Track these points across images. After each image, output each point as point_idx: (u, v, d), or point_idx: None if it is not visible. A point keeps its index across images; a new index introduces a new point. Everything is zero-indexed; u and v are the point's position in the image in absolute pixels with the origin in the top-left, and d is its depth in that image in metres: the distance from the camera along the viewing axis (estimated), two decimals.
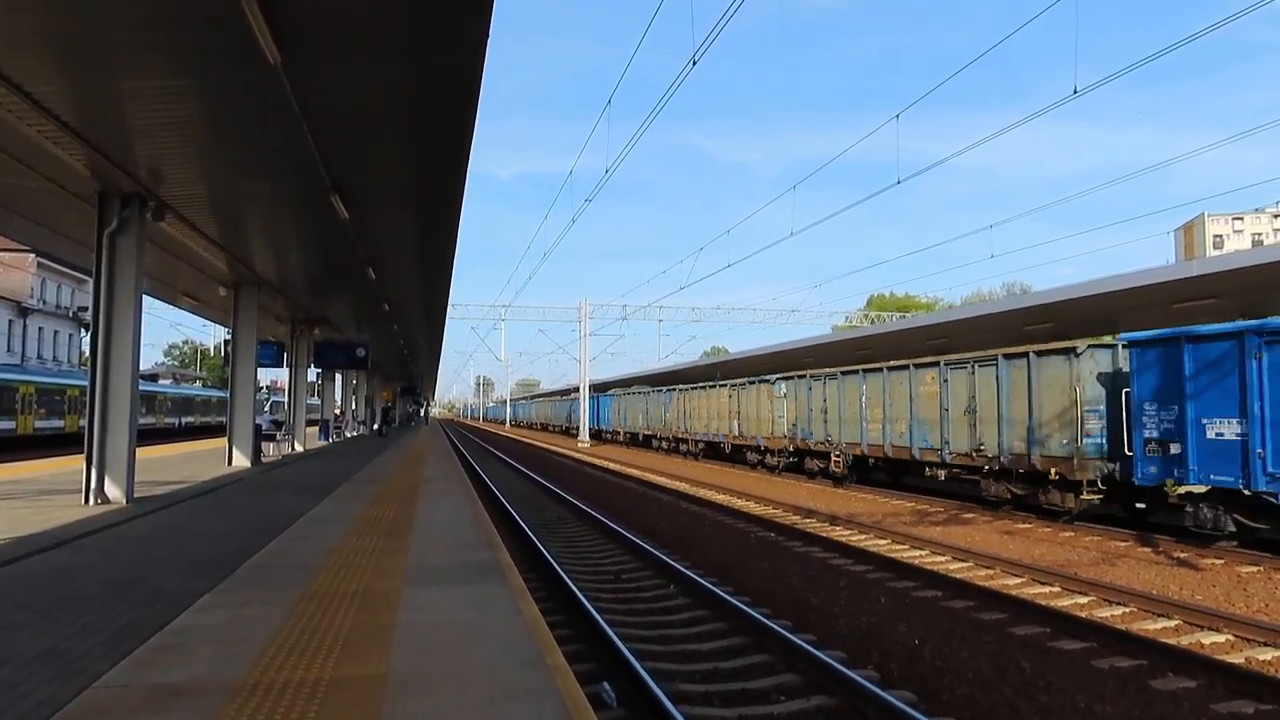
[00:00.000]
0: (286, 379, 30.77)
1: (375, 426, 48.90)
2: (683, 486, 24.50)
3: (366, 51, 8.06)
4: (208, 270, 18.88)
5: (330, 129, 9.92)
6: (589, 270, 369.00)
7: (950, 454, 18.92)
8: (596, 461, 37.02)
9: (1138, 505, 14.79)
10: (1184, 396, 13.09)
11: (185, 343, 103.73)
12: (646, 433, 45.64)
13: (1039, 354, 16.49)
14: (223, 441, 21.01)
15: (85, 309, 55.55)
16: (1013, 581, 11.06)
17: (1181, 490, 13.44)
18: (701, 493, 22.50)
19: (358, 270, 19.31)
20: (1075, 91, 13.84)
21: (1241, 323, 12.88)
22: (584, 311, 55.46)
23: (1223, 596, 10.15)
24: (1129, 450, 14.24)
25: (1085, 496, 15.16)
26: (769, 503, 19.77)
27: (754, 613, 8.54)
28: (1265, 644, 8.11)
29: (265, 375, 56.36)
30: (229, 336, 21.06)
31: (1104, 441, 15.13)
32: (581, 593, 9.29)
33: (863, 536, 14.92)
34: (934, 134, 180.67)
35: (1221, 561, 12.06)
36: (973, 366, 18.38)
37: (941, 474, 19.81)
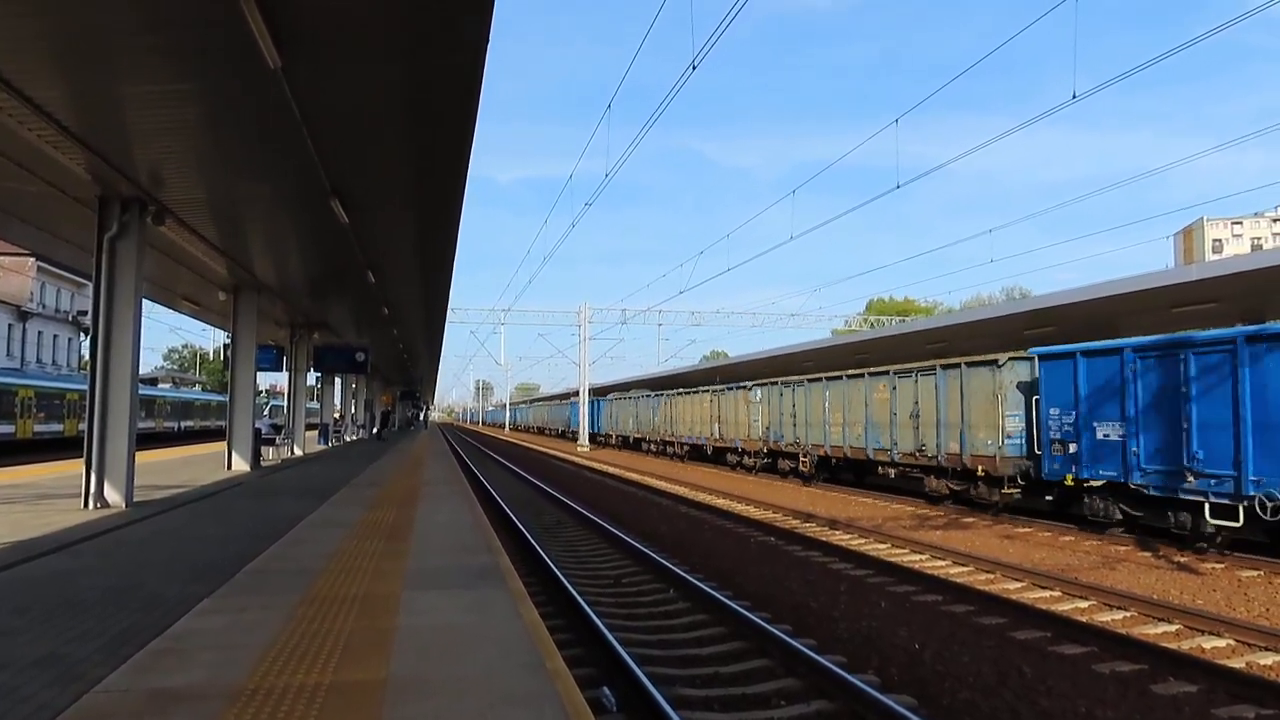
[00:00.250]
0: (286, 383, 30.76)
1: (375, 431, 48.89)
2: (682, 491, 24.46)
3: (366, 54, 8.07)
4: (207, 274, 18.89)
5: (330, 132, 9.93)
6: (589, 274, 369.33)
7: (898, 454, 20.89)
8: (595, 466, 37.00)
9: (1047, 497, 16.58)
10: (1079, 403, 15.12)
11: (185, 347, 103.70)
12: (637, 436, 47.16)
13: (969, 365, 18.59)
14: (222, 445, 20.99)
15: (85, 313, 55.55)
16: (1013, 586, 11.05)
17: (1072, 482, 15.44)
18: (699, 496, 22.53)
19: (357, 274, 19.32)
20: (1074, 96, 13.90)
21: (1122, 340, 14.95)
22: (584, 315, 55.47)
23: (1223, 601, 10.14)
24: (1038, 450, 16.28)
25: (1006, 491, 17.13)
26: (757, 504, 19.77)
27: (754, 617, 8.52)
28: (1266, 648, 8.09)
29: (265, 379, 56.43)
30: (228, 341, 21.05)
31: (1022, 442, 17.01)
32: (581, 597, 9.27)
33: (862, 541, 14.91)
34: (933, 138, 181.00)
35: (1222, 566, 12.05)
36: (916, 376, 20.38)
37: (892, 472, 21.62)
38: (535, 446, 59.61)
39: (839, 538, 15.23)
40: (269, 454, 23.50)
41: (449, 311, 33.14)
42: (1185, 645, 8.31)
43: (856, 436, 23.06)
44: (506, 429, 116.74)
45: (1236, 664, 7.63)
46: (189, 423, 60.75)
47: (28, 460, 27.43)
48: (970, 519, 17.29)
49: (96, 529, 9.71)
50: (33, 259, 47.35)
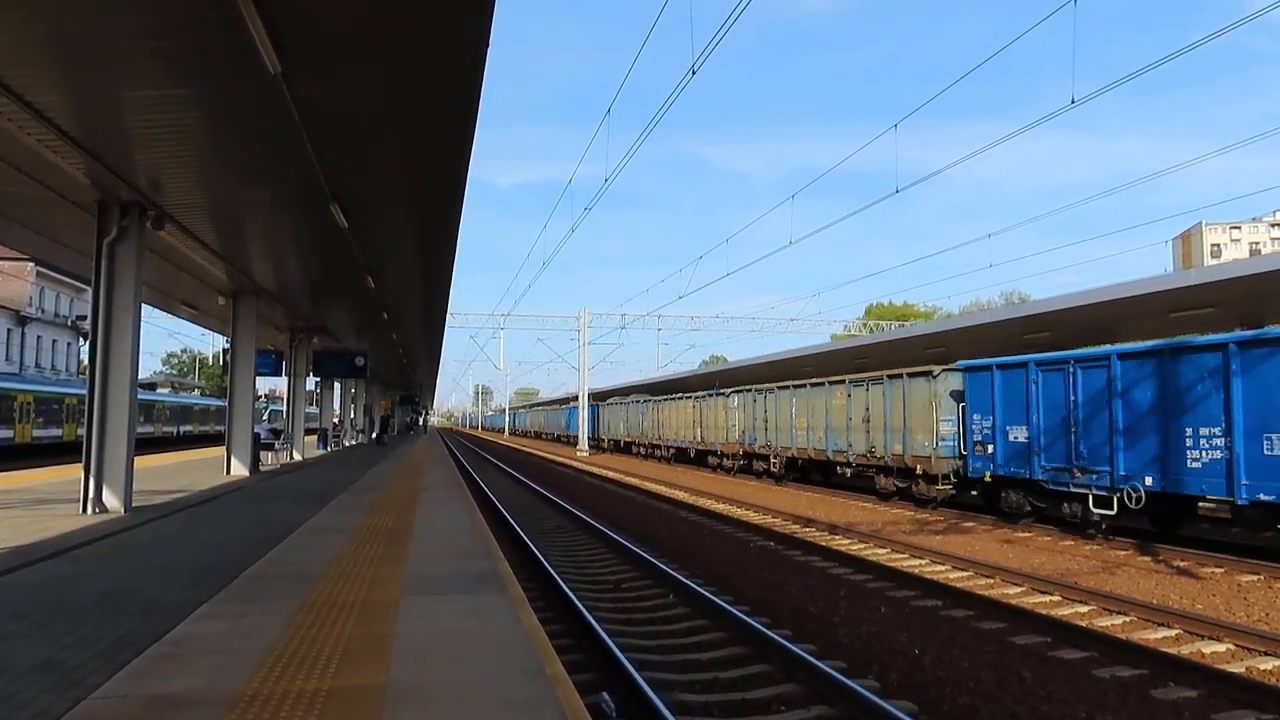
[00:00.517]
0: (285, 388, 30.74)
1: (374, 435, 48.84)
2: (681, 495, 24.49)
3: (367, 59, 8.08)
4: (207, 279, 18.88)
5: (330, 137, 9.94)
6: (588, 279, 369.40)
7: (853, 455, 23.12)
8: (592, 470, 36.97)
9: (973, 492, 18.60)
10: (995, 410, 17.30)
11: (184, 351, 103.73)
12: (627, 440, 49.13)
13: (909, 375, 20.76)
14: (221, 450, 20.97)
15: (84, 318, 55.53)
16: (1013, 590, 11.04)
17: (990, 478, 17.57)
18: (697, 500, 22.54)
19: (357, 279, 19.32)
20: (1073, 101, 13.91)
21: (1028, 355, 16.96)
22: (583, 320, 55.47)
23: (1223, 605, 10.13)
24: (965, 450, 18.33)
25: (941, 487, 19.25)
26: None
27: (753, 622, 8.51)
28: (1266, 653, 8.09)
29: (264, 384, 56.36)
30: (228, 345, 21.03)
31: (955, 444, 19.04)
32: (580, 601, 9.26)
33: (862, 545, 14.90)
34: (932, 144, 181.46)
35: (1221, 570, 12.04)
36: (867, 385, 22.61)
37: (848, 471, 23.69)
38: (534, 451, 59.56)
39: (839, 542, 15.22)
40: (268, 459, 23.46)
41: (448, 316, 33.15)
42: (1185, 650, 8.29)
43: (818, 439, 25.18)
44: (506, 433, 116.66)
45: (1236, 669, 7.62)
46: (188, 428, 60.71)
47: (26, 465, 27.40)
48: (969, 524, 17.29)
49: (95, 534, 9.70)
50: (32, 264, 47.34)
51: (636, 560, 12.69)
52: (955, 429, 18.95)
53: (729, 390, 32.82)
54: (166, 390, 69.09)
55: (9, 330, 53.17)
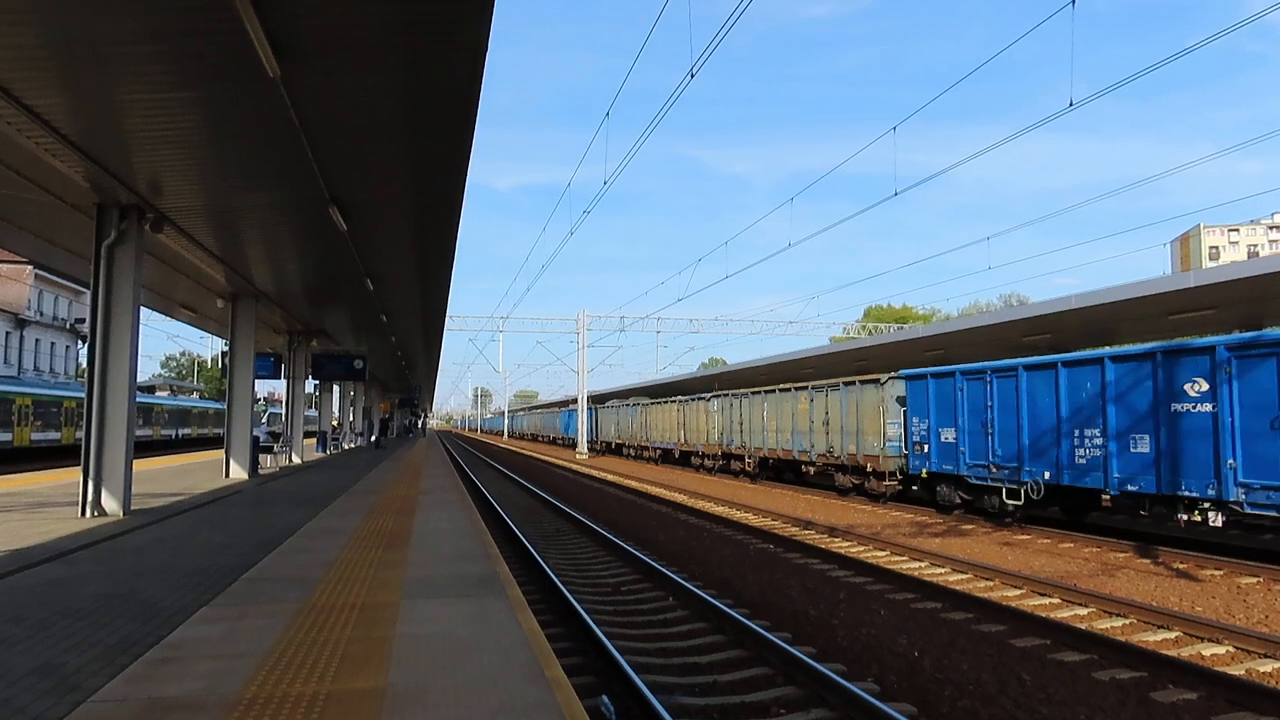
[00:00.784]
0: (284, 391, 30.71)
1: (373, 438, 48.78)
2: (678, 497, 24.51)
3: (365, 63, 8.08)
4: (205, 282, 18.88)
5: (329, 140, 9.95)
6: (587, 282, 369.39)
7: (815, 455, 25.40)
8: (589, 472, 36.96)
9: (914, 487, 20.56)
10: (929, 413, 19.26)
11: (183, 354, 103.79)
12: (618, 442, 51.09)
13: (862, 382, 23.00)
14: (220, 453, 20.95)
15: (82, 321, 55.50)
16: (1012, 593, 11.03)
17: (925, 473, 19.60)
18: (691, 502, 22.55)
19: (356, 281, 19.32)
20: (1071, 104, 13.89)
21: (955, 366, 18.93)
22: (582, 323, 55.43)
23: (1222, 608, 10.13)
24: (906, 450, 20.37)
25: (887, 483, 21.32)
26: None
27: (753, 624, 8.50)
28: (1266, 655, 8.09)
29: (263, 387, 56.36)
30: (226, 348, 21.02)
31: (900, 444, 20.94)
32: (579, 604, 9.25)
33: (861, 548, 14.90)
34: (931, 146, 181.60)
35: (1221, 573, 12.04)
36: (827, 391, 24.81)
37: (812, 470, 25.85)
38: (533, 454, 59.54)
39: (838, 545, 15.22)
40: (267, 462, 23.45)
41: (447, 318, 33.14)
42: (1185, 652, 8.29)
43: (786, 441, 27.47)
44: (505, 436, 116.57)
45: (1236, 671, 7.61)
46: (186, 430, 60.64)
47: (25, 468, 27.39)
48: (969, 526, 17.29)
49: (93, 537, 9.69)
50: (30, 266, 47.28)
51: (636, 563, 12.68)
52: (900, 431, 21.02)
53: (709, 395, 35.00)
54: (165, 393, 69.04)
55: (7, 333, 53.14)
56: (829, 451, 24.37)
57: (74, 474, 12.66)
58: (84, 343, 54.03)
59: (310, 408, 46.16)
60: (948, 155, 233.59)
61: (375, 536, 9.99)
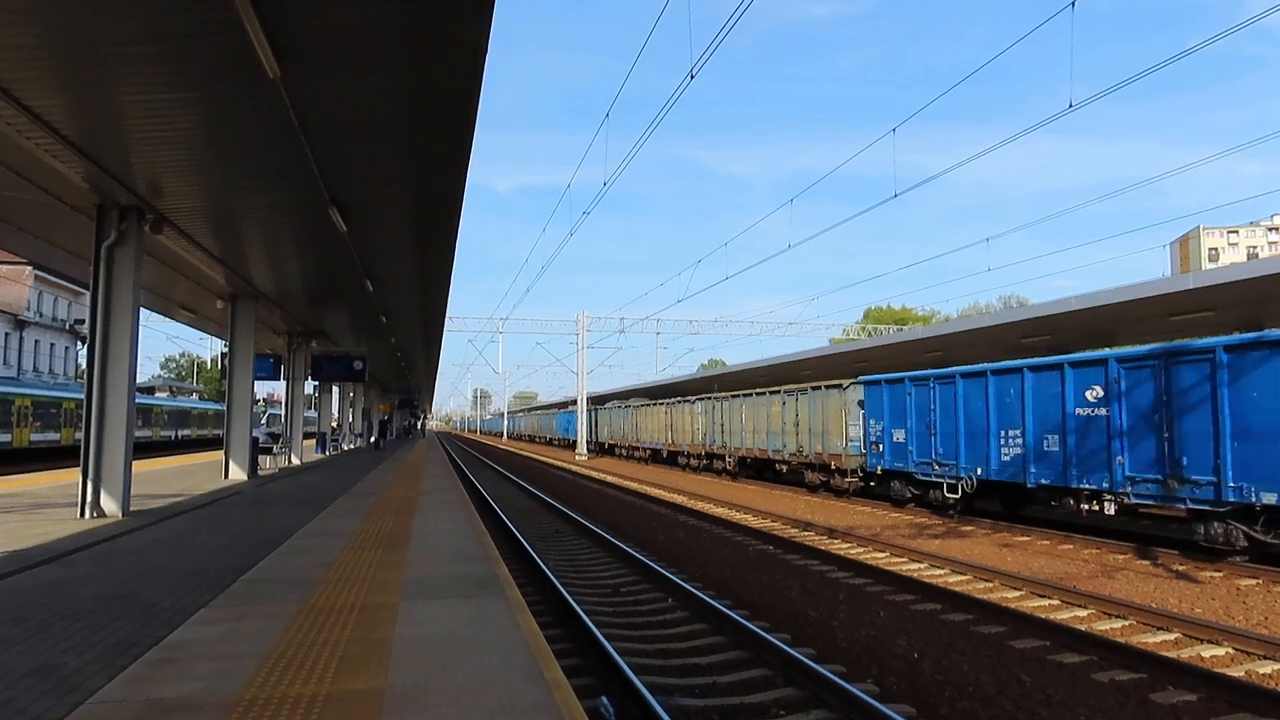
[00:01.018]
0: (283, 392, 30.70)
1: (372, 439, 48.75)
2: (678, 499, 24.51)
3: (365, 64, 8.08)
4: (205, 283, 18.88)
5: (329, 141, 9.95)
6: (587, 283, 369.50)
7: (787, 454, 27.42)
8: (592, 474, 36.95)
9: (871, 484, 22.30)
10: (883, 415, 21.17)
11: (182, 355, 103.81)
12: (611, 442, 52.76)
13: (826, 387, 25.20)
14: (219, 454, 20.94)
15: (82, 322, 55.45)
16: (1012, 594, 11.03)
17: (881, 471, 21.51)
18: (683, 501, 22.55)
19: (355, 283, 19.32)
20: (1070, 105, 13.90)
21: (904, 374, 20.73)
22: (582, 324, 55.41)
23: (1222, 609, 10.13)
24: (864, 449, 22.25)
25: (849, 480, 23.35)
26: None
27: (753, 626, 8.50)
28: (1265, 657, 8.09)
29: (262, 388, 56.34)
30: (226, 349, 21.02)
31: (860, 444, 22.73)
32: (579, 605, 9.24)
33: (861, 549, 14.90)
34: (930, 147, 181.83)
35: (1220, 574, 12.04)
36: (797, 395, 26.80)
37: (784, 468, 27.79)
38: (532, 455, 59.52)
39: (837, 546, 15.22)
40: (266, 463, 23.44)
41: (447, 320, 33.15)
42: (1184, 654, 8.29)
43: (762, 441, 29.48)
44: (505, 437, 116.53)
45: (1235, 673, 7.61)
46: (186, 431, 60.61)
47: (24, 469, 27.38)
48: (968, 528, 17.29)
49: (92, 538, 9.68)
50: (30, 267, 47.26)
51: (635, 564, 12.68)
52: (860, 432, 22.79)
53: (694, 398, 37.29)
54: (164, 394, 69.04)
55: (7, 334, 53.12)
56: (799, 451, 26.34)
57: (73, 475, 12.65)
58: (83, 344, 53.91)
59: (310, 409, 46.18)
60: (947, 156, 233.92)
61: (374, 537, 9.99)
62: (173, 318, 27.18)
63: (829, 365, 38.19)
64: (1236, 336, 13.26)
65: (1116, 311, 21.90)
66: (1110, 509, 14.56)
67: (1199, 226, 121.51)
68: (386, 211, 13.73)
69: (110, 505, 11.70)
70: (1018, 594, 11.04)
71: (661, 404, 42.20)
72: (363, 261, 16.93)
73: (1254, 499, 12.01)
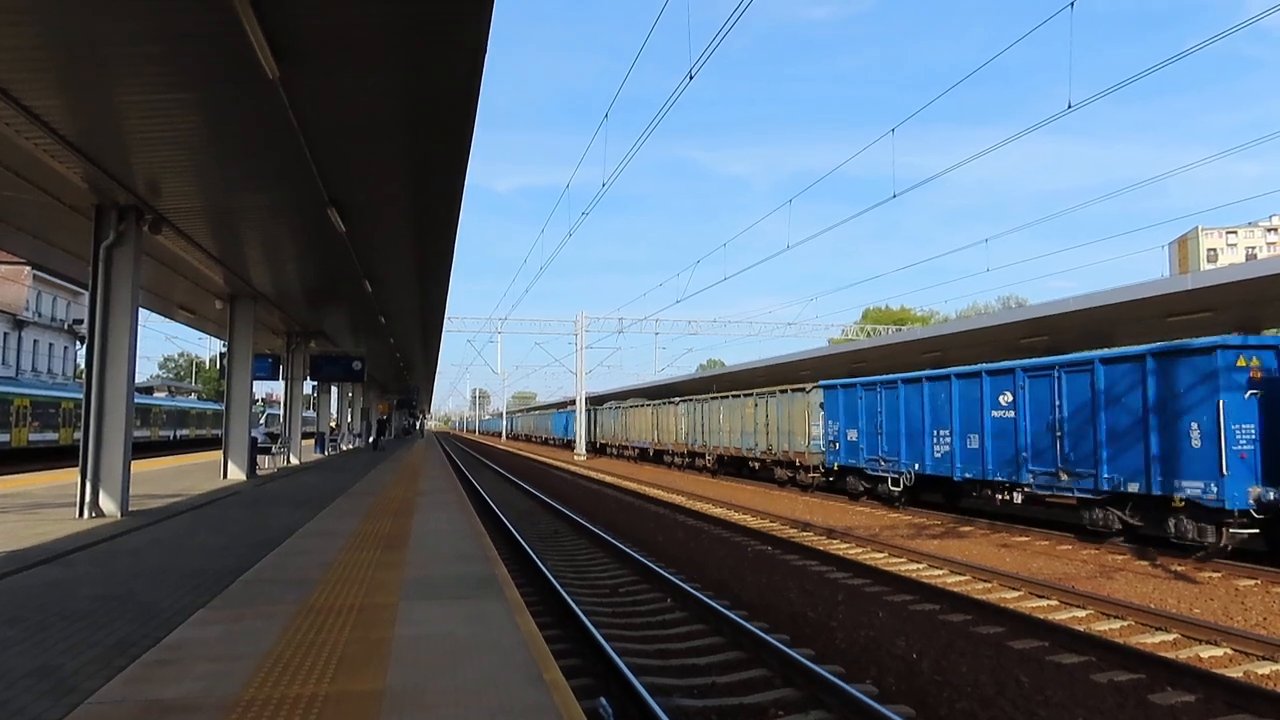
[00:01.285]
0: (282, 392, 30.69)
1: (371, 440, 48.73)
2: (677, 499, 24.54)
3: (365, 64, 8.08)
4: (204, 283, 18.87)
5: (328, 141, 9.95)
6: (586, 283, 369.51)
7: (759, 451, 29.71)
8: (591, 474, 36.93)
9: (829, 479, 24.44)
10: (839, 416, 23.41)
11: (181, 355, 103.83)
12: (603, 442, 55.09)
13: (792, 390, 27.47)
14: (218, 455, 20.92)
15: (80, 322, 55.36)
16: (1010, 595, 11.04)
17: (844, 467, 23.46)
18: (689, 504, 22.55)
19: (354, 283, 19.31)
20: (1069, 106, 13.90)
21: (856, 379, 23.10)
22: (581, 324, 55.40)
23: (1220, 610, 10.13)
24: (824, 448, 24.43)
25: (812, 475, 25.46)
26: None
27: (752, 626, 8.50)
28: (1264, 658, 8.09)
29: (261, 388, 56.28)
30: (224, 349, 21.01)
31: (821, 442, 24.87)
32: (578, 606, 9.24)
33: (859, 550, 14.90)
34: (929, 148, 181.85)
35: (1219, 575, 12.05)
36: (767, 397, 29.06)
37: (757, 465, 30.09)
38: (531, 455, 59.50)
39: (836, 546, 15.22)
40: (265, 463, 23.42)
41: (446, 320, 33.14)
42: (1183, 654, 8.30)
43: (738, 440, 31.72)
44: (503, 438, 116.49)
45: (1234, 673, 7.62)
46: (185, 431, 60.57)
47: (23, 469, 27.35)
48: (967, 528, 17.30)
49: (91, 538, 9.67)
50: (28, 267, 47.22)
51: (634, 564, 12.68)
52: (821, 431, 24.88)
53: (678, 400, 39.63)
54: (163, 394, 68.99)
55: (5, 334, 53.06)
56: (769, 449, 28.79)
57: (72, 475, 12.64)
58: (82, 344, 53.90)
59: (308, 409, 46.15)
60: (946, 157, 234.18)
61: (373, 538, 9.98)
62: (171, 318, 27.17)
63: (827, 366, 38.18)
64: (1110, 351, 15.48)
65: (1115, 312, 21.90)
66: (1019, 498, 16.85)
67: (1197, 227, 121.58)
68: (385, 211, 13.73)
69: (109, 505, 11.69)
70: (1016, 594, 11.05)
71: (648, 405, 44.56)
72: (362, 262, 16.93)
73: (1123, 488, 14.21)
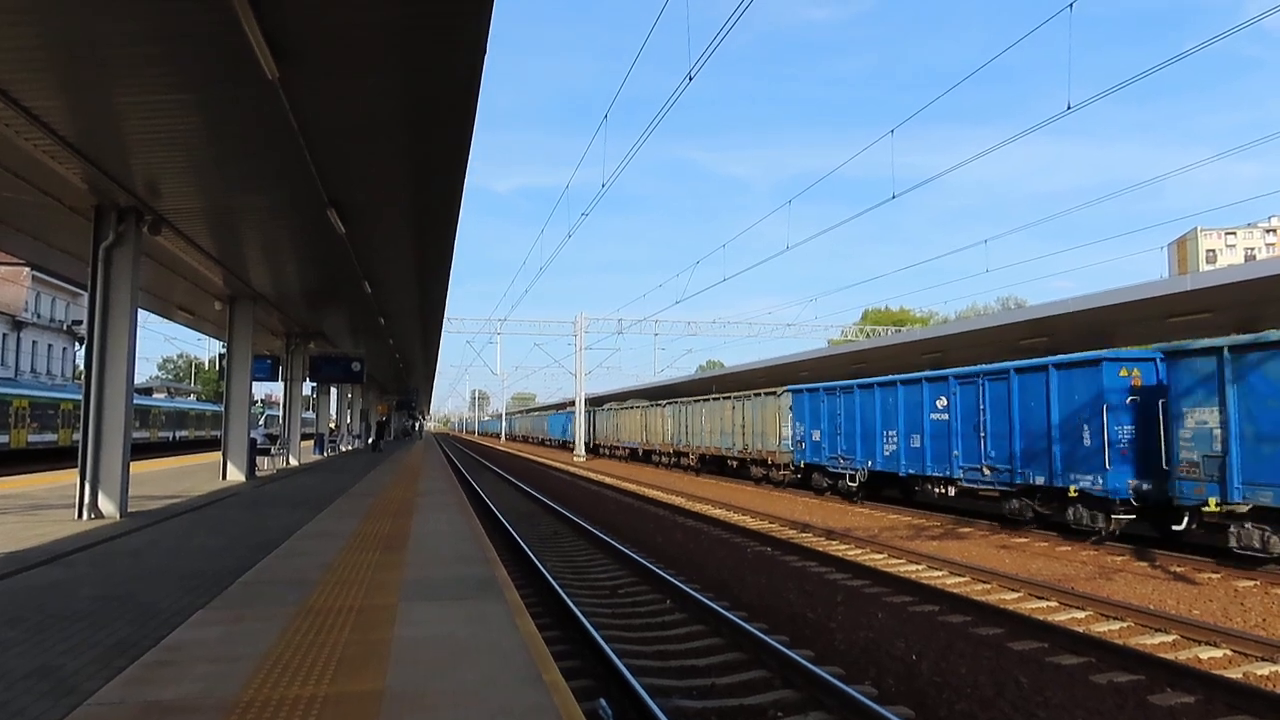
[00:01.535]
0: (281, 393, 30.68)
1: (370, 441, 48.71)
2: (677, 500, 24.54)
3: (365, 62, 8.08)
4: (203, 284, 18.86)
5: (328, 142, 9.94)
6: (585, 284, 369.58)
7: (736, 451, 31.71)
8: (590, 475, 36.94)
9: (797, 475, 26.26)
10: (806, 418, 25.49)
11: (180, 356, 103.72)
12: (597, 442, 56.65)
13: (765, 394, 29.19)
14: (217, 456, 20.91)
15: (80, 323, 55.35)
16: (1009, 596, 11.04)
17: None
18: (689, 505, 22.54)
19: (354, 284, 19.31)
20: (1069, 107, 13.92)
21: (819, 384, 25.14)
22: (580, 325, 55.39)
23: (1220, 611, 10.14)
24: (793, 447, 26.36)
25: (784, 473, 27.16)
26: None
27: (751, 627, 8.50)
28: (1263, 659, 8.09)
29: (260, 389, 56.25)
30: (224, 350, 21.00)
31: (790, 442, 26.64)
32: (577, 607, 9.24)
33: (859, 551, 14.90)
34: (929, 149, 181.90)
35: (1218, 576, 12.06)
36: (745, 400, 30.92)
37: (735, 463, 32.06)
38: (530, 456, 59.49)
39: (835, 547, 15.22)
40: (264, 464, 23.41)
41: (445, 321, 33.16)
42: (1182, 656, 8.30)
43: (719, 440, 33.72)
44: (503, 439, 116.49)
45: (1234, 674, 7.62)
46: (184, 433, 60.54)
47: (22, 470, 27.33)
48: (966, 529, 17.31)
49: (90, 539, 9.66)
50: (27, 268, 47.23)
51: (633, 565, 12.68)
52: (790, 432, 26.62)
53: (665, 402, 41.65)
54: (162, 395, 68.93)
55: (4, 335, 53.02)
56: (745, 449, 30.73)
57: (71, 476, 12.63)
58: (81, 345, 53.85)
59: (308, 410, 46.13)
60: (946, 158, 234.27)
61: (373, 539, 9.98)
62: (171, 319, 27.16)
63: (827, 367, 38.21)
64: (1023, 361, 17.41)
65: (1115, 313, 21.93)
66: (952, 491, 18.94)
67: (1197, 228, 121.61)
68: (385, 212, 13.72)
69: (108, 506, 11.68)
70: (1016, 595, 11.05)
71: (637, 407, 46.77)
72: (361, 262, 16.92)
73: (1033, 481, 16.26)
